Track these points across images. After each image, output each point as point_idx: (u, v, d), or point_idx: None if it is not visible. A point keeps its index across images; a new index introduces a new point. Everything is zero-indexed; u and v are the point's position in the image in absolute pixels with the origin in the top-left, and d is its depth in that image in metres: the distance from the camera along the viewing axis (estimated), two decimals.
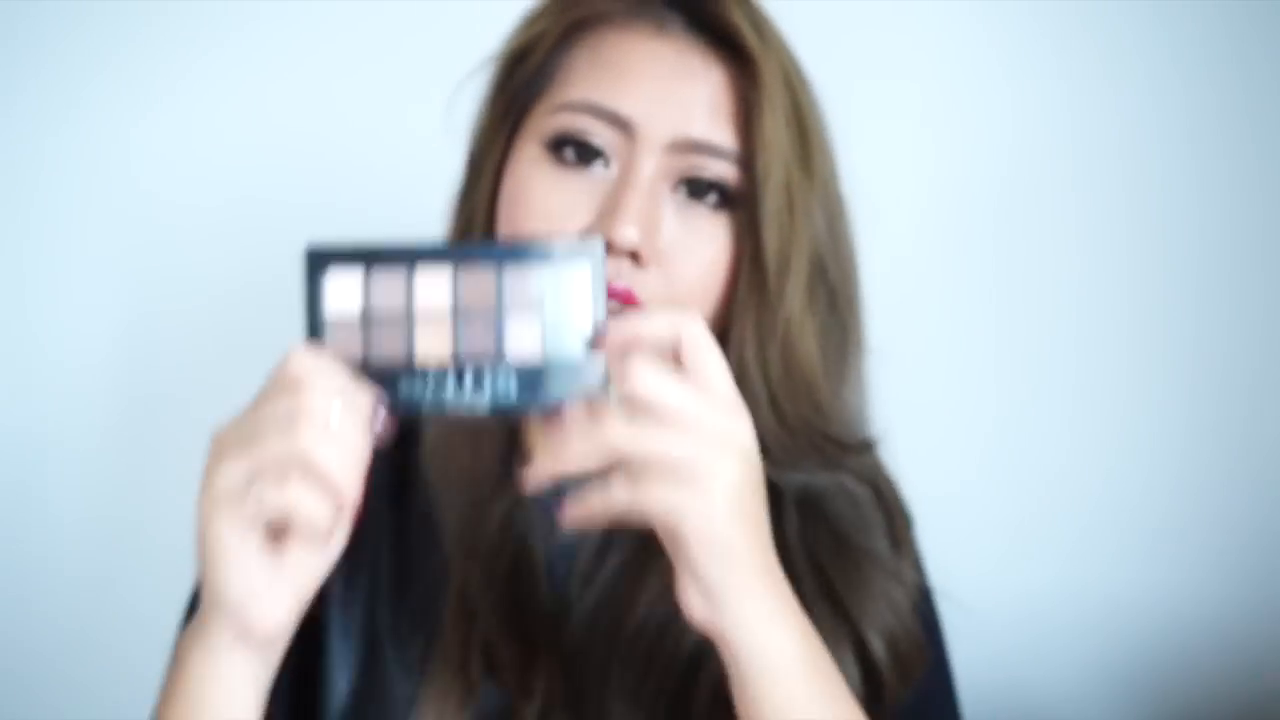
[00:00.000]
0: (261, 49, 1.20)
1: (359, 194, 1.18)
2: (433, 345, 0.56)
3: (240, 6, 1.19)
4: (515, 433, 0.74)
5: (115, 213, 1.21)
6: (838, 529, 0.72)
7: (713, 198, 0.68)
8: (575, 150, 0.68)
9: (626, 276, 0.65)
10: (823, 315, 0.71)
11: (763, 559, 0.58)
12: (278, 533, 0.55)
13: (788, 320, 0.68)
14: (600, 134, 0.67)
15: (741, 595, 0.56)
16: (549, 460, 0.55)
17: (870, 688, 0.70)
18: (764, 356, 0.68)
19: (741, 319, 0.68)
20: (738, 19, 0.68)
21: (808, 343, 0.69)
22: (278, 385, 0.54)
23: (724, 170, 0.67)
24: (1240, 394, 1.18)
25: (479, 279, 0.56)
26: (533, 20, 0.73)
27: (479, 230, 0.72)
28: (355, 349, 0.56)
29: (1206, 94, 1.16)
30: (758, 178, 0.66)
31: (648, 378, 0.54)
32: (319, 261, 0.56)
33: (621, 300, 0.65)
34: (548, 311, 0.56)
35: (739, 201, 0.68)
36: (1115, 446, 1.19)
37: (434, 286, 0.56)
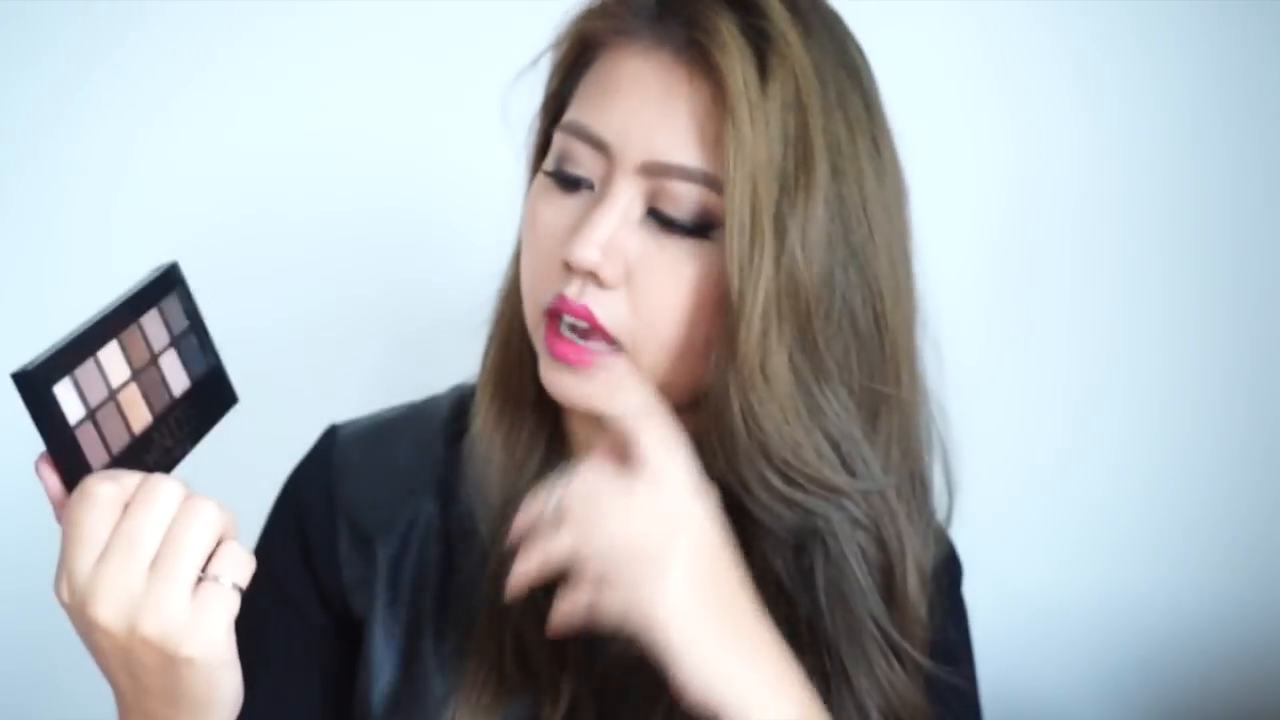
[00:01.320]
0: (272, 52, 1.16)
1: (368, 198, 1.18)
2: (136, 413, 0.60)
3: (250, 8, 1.14)
4: (556, 428, 0.74)
5: (116, 214, 1.19)
6: (831, 586, 0.69)
7: (686, 224, 0.65)
8: (561, 177, 0.68)
9: (590, 297, 0.65)
10: (813, 349, 0.65)
11: (742, 635, 0.58)
12: None
13: (764, 352, 0.64)
14: (583, 159, 0.67)
15: (726, 670, 0.57)
16: (520, 567, 0.61)
17: None
18: (741, 392, 0.64)
19: (717, 355, 0.66)
20: (722, 32, 0.63)
21: (782, 379, 0.65)
22: (133, 506, 0.54)
23: (697, 195, 0.65)
24: (1241, 393, 1.16)
25: (133, 341, 0.61)
26: (562, 29, 0.72)
27: (517, 247, 0.72)
28: (99, 448, 0.57)
29: (1210, 93, 1.13)
30: (728, 203, 0.63)
31: (581, 481, 0.58)
32: (42, 379, 0.54)
33: (578, 316, 0.66)
34: (174, 339, 0.63)
35: (718, 227, 0.65)
36: (1115, 446, 1.17)
37: (113, 362, 0.59)
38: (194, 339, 0.65)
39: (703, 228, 0.66)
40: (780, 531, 0.68)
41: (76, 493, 0.54)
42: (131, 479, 0.55)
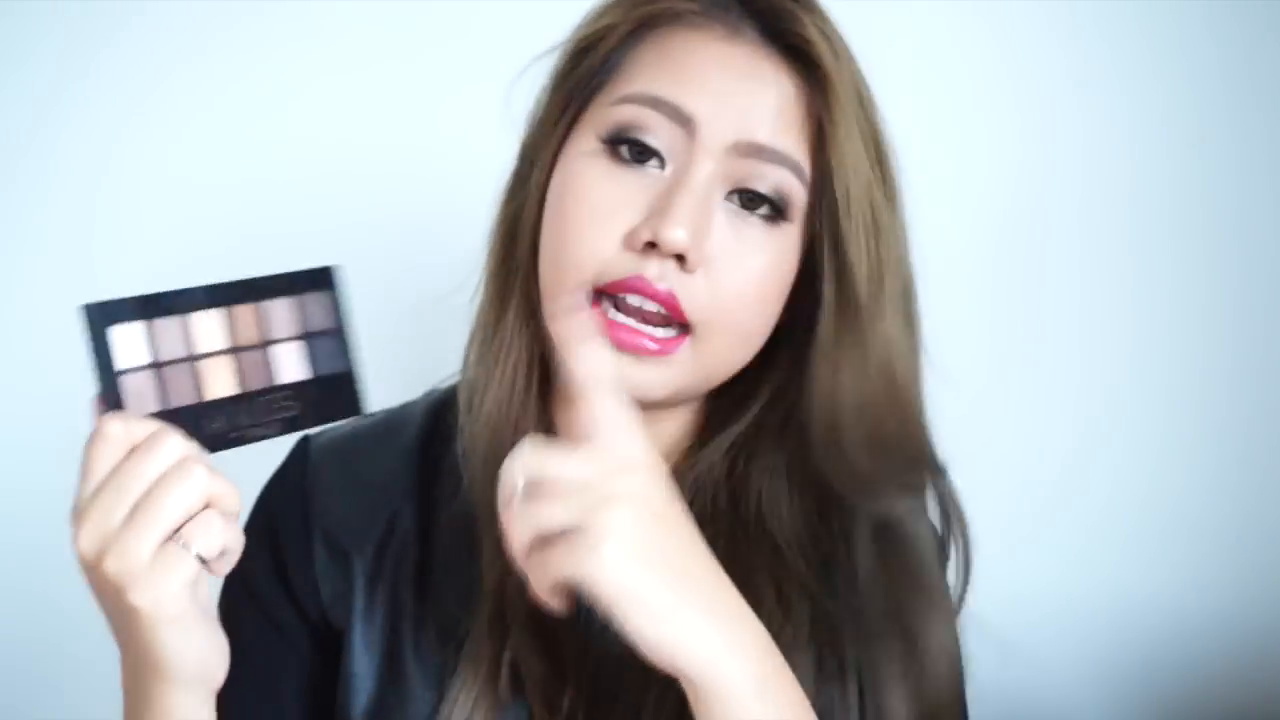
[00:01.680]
0: (271, 50, 1.19)
1: (366, 196, 1.18)
2: (218, 382, 0.64)
3: (247, 8, 1.17)
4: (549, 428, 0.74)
5: (118, 215, 1.20)
6: (909, 562, 0.72)
7: (765, 209, 0.67)
8: (632, 148, 0.67)
9: (671, 279, 0.65)
10: (913, 335, 0.71)
11: (695, 591, 0.58)
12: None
13: (887, 341, 0.67)
14: (659, 131, 0.66)
15: (678, 633, 0.56)
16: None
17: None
18: (862, 378, 0.68)
19: (828, 342, 0.68)
20: (812, 32, 0.66)
21: (905, 362, 0.69)
22: (135, 451, 0.57)
23: (783, 180, 0.66)
24: (1242, 394, 1.18)
25: (245, 317, 0.65)
26: (602, 13, 0.71)
27: (528, 223, 0.71)
28: (151, 398, 0.61)
29: (1215, 94, 1.15)
30: (837, 195, 0.66)
31: (525, 460, 0.57)
32: (100, 319, 0.60)
33: (662, 302, 0.65)
34: (307, 335, 0.65)
35: (794, 216, 0.67)
36: (1115, 447, 1.20)
37: (209, 329, 0.63)
38: (333, 342, 0.66)
39: (779, 214, 0.67)
40: (867, 524, 0.71)
41: (94, 428, 0.59)
42: (144, 426, 0.59)
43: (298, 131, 1.21)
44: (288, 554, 0.76)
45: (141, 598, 0.56)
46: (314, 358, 0.66)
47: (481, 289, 0.75)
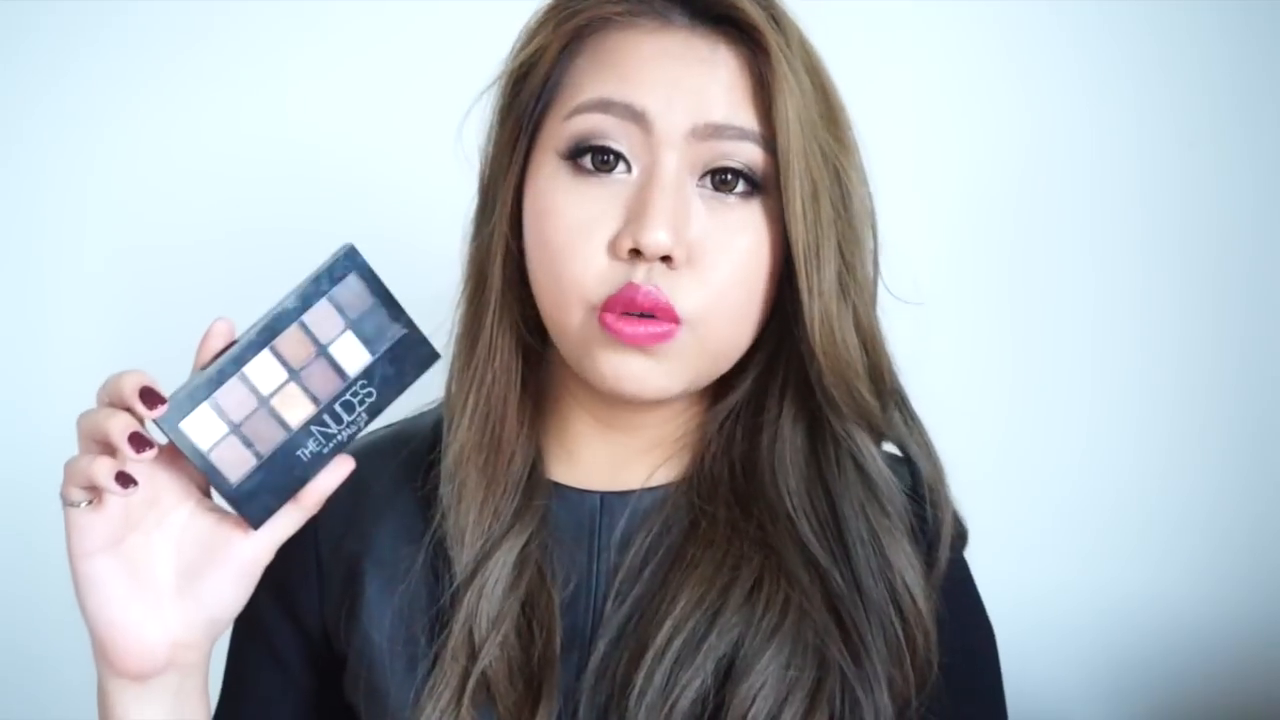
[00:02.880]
0: (265, 51, 1.20)
1: (363, 196, 1.19)
2: (296, 409, 0.65)
3: (243, 8, 1.18)
4: (536, 464, 0.74)
5: (118, 215, 1.21)
6: (882, 505, 0.72)
7: (741, 185, 0.66)
8: (594, 157, 0.66)
9: (660, 279, 0.64)
10: (856, 287, 0.69)
11: None
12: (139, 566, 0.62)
13: (834, 304, 0.67)
14: (617, 134, 0.66)
15: None
16: None
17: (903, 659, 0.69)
18: (824, 328, 0.68)
19: (782, 314, 0.69)
20: (743, 2, 0.65)
21: (861, 315, 0.69)
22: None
23: (750, 154, 0.66)
24: (1241, 394, 1.18)
25: (291, 341, 0.65)
26: (531, 36, 0.70)
27: (495, 257, 0.70)
28: (246, 456, 0.64)
29: (1226, 92, 1.14)
30: (780, 157, 0.65)
31: None
32: (171, 419, 0.62)
33: (654, 307, 0.65)
34: (352, 323, 0.66)
35: (768, 186, 0.66)
36: (1115, 447, 1.20)
37: (265, 370, 0.64)
38: (382, 315, 0.66)
39: (752, 189, 0.67)
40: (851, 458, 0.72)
41: None
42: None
43: (294, 128, 1.21)
44: (291, 573, 0.75)
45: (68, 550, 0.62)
46: (367, 340, 0.66)
47: (457, 322, 0.74)
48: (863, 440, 0.72)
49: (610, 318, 0.65)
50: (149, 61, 1.20)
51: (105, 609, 0.62)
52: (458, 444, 0.72)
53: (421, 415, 0.82)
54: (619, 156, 0.66)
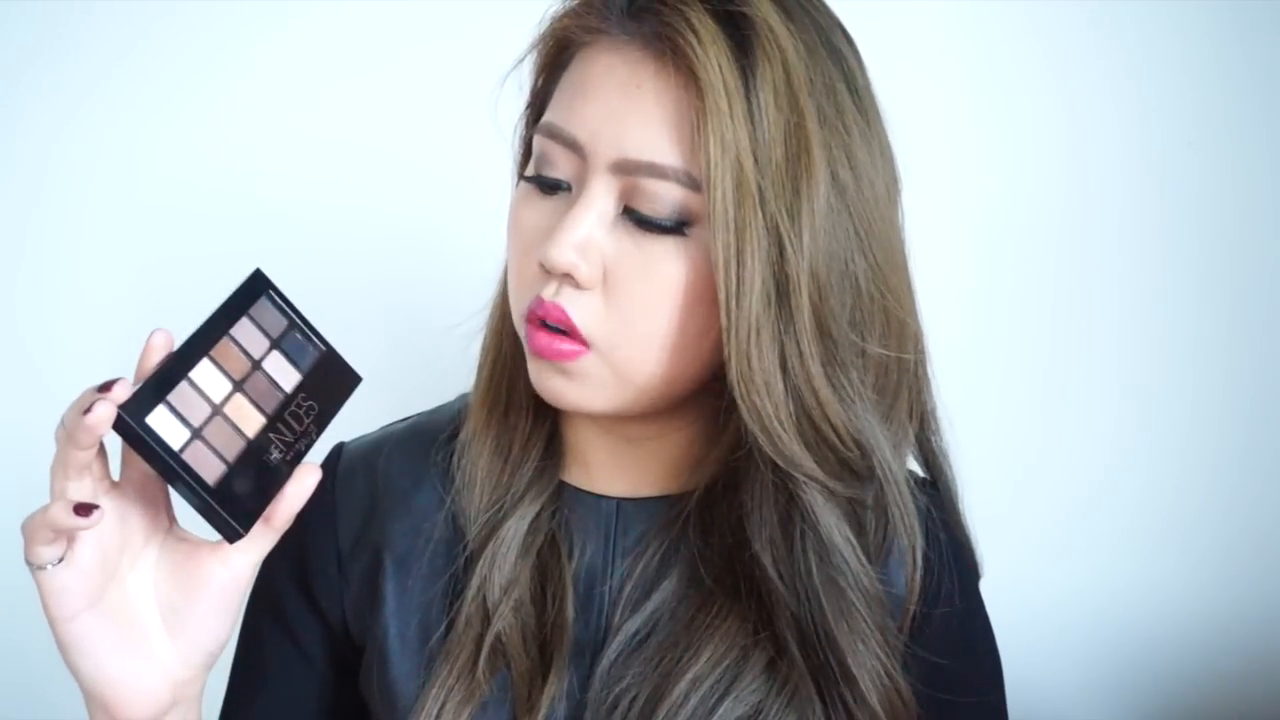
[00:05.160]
0: (269, 51, 1.17)
1: (366, 196, 1.17)
2: (248, 418, 0.62)
3: (247, 8, 1.16)
4: (552, 436, 0.73)
5: (121, 213, 1.19)
6: (830, 567, 0.67)
7: (661, 222, 0.63)
8: (542, 179, 0.66)
9: (565, 298, 0.64)
10: (819, 338, 0.63)
11: None
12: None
13: (751, 359, 0.62)
14: (560, 161, 0.65)
15: None
16: None
17: None
18: (743, 387, 0.63)
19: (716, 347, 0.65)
20: (679, 24, 0.61)
21: (775, 380, 0.62)
22: None
23: (669, 193, 0.62)
24: (1240, 394, 1.17)
25: (226, 353, 0.62)
26: (533, 46, 0.70)
27: None
28: (215, 461, 0.59)
29: (1245, 94, 1.14)
30: (707, 197, 0.60)
31: None
32: (135, 414, 0.56)
33: (552, 318, 0.64)
34: (274, 341, 0.65)
35: (701, 220, 0.63)
36: (1115, 447, 1.18)
37: (210, 378, 0.61)
38: (298, 335, 0.66)
39: (680, 225, 0.63)
40: (775, 517, 0.67)
41: None
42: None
43: (299, 139, 1.19)
44: (312, 560, 0.76)
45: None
46: (293, 359, 0.66)
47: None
48: (814, 500, 0.66)
49: (530, 328, 0.67)
50: (159, 58, 1.18)
51: (102, 667, 0.58)
52: (474, 419, 0.74)
53: (440, 409, 0.82)
54: (559, 182, 0.66)
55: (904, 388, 0.69)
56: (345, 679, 0.78)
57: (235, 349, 0.63)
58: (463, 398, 0.80)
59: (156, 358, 0.60)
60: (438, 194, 1.17)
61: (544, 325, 0.65)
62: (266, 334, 0.65)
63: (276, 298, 0.66)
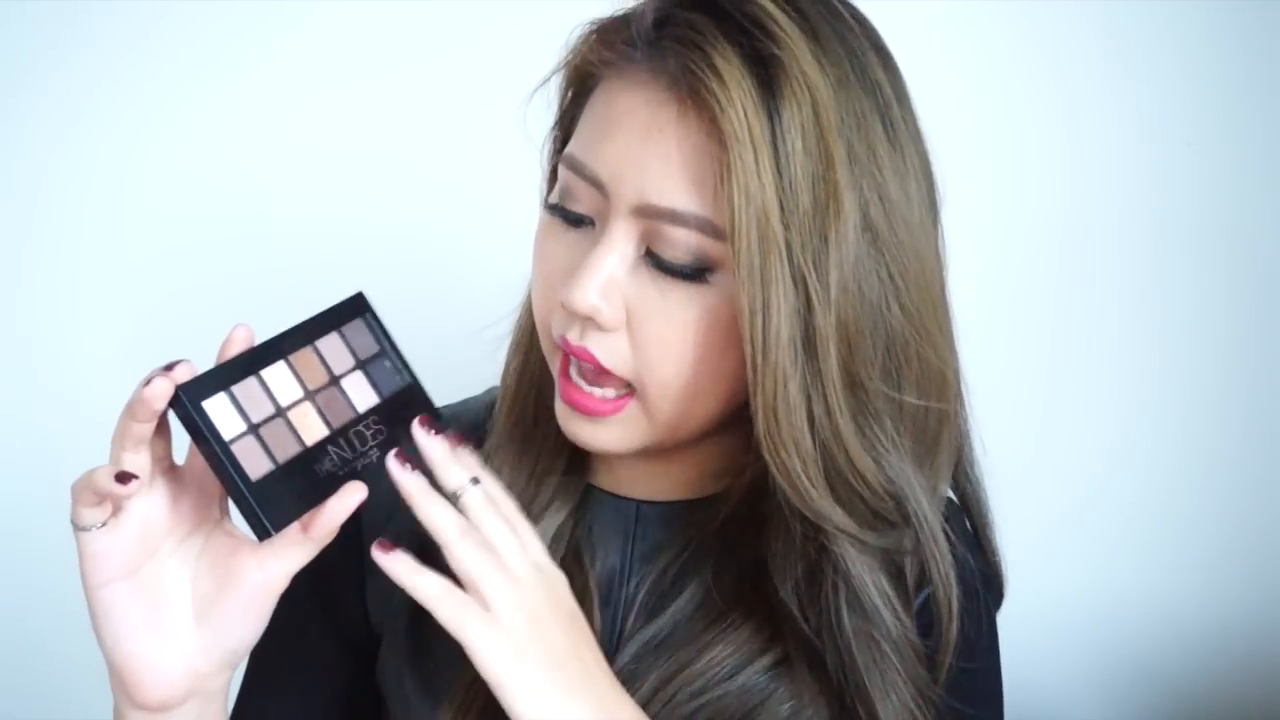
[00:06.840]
0: (273, 54, 1.16)
1: (368, 199, 1.16)
2: (311, 427, 0.61)
3: (250, 9, 1.15)
4: (576, 449, 0.70)
5: (124, 215, 1.18)
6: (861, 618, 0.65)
7: (682, 269, 0.61)
8: (565, 212, 0.65)
9: (591, 340, 0.62)
10: (851, 389, 0.61)
11: (567, 677, 0.58)
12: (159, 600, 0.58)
13: (779, 410, 0.59)
14: (582, 196, 0.63)
15: (544, 712, 0.57)
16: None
17: None
18: (769, 439, 0.60)
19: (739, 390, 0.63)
20: (715, 61, 0.57)
21: (805, 431, 0.60)
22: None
23: (690, 241, 0.60)
24: (1239, 393, 1.16)
25: (305, 362, 0.62)
26: (559, 67, 0.69)
27: None
28: (263, 459, 0.58)
29: (1249, 98, 1.12)
30: (731, 246, 0.57)
31: (489, 491, 0.60)
32: (193, 396, 0.56)
33: (581, 359, 0.63)
34: (361, 363, 0.65)
35: (723, 267, 0.60)
36: (1114, 447, 1.17)
37: (282, 381, 0.61)
38: (386, 363, 0.66)
39: (701, 272, 0.61)
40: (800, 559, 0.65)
41: None
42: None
43: (314, 145, 1.19)
44: (332, 556, 0.69)
45: None
46: (375, 383, 0.65)
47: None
48: (846, 552, 0.64)
49: (564, 380, 0.66)
50: (171, 59, 1.17)
51: (124, 641, 0.58)
52: (503, 416, 0.74)
53: (467, 402, 0.81)
54: (582, 217, 0.64)
55: (944, 434, 0.67)
56: (363, 673, 0.77)
57: (316, 360, 0.63)
58: (490, 391, 0.79)
59: (235, 350, 0.60)
60: (460, 195, 1.15)
61: (573, 370, 0.65)
62: (354, 353, 0.65)
63: (373, 322, 0.66)
